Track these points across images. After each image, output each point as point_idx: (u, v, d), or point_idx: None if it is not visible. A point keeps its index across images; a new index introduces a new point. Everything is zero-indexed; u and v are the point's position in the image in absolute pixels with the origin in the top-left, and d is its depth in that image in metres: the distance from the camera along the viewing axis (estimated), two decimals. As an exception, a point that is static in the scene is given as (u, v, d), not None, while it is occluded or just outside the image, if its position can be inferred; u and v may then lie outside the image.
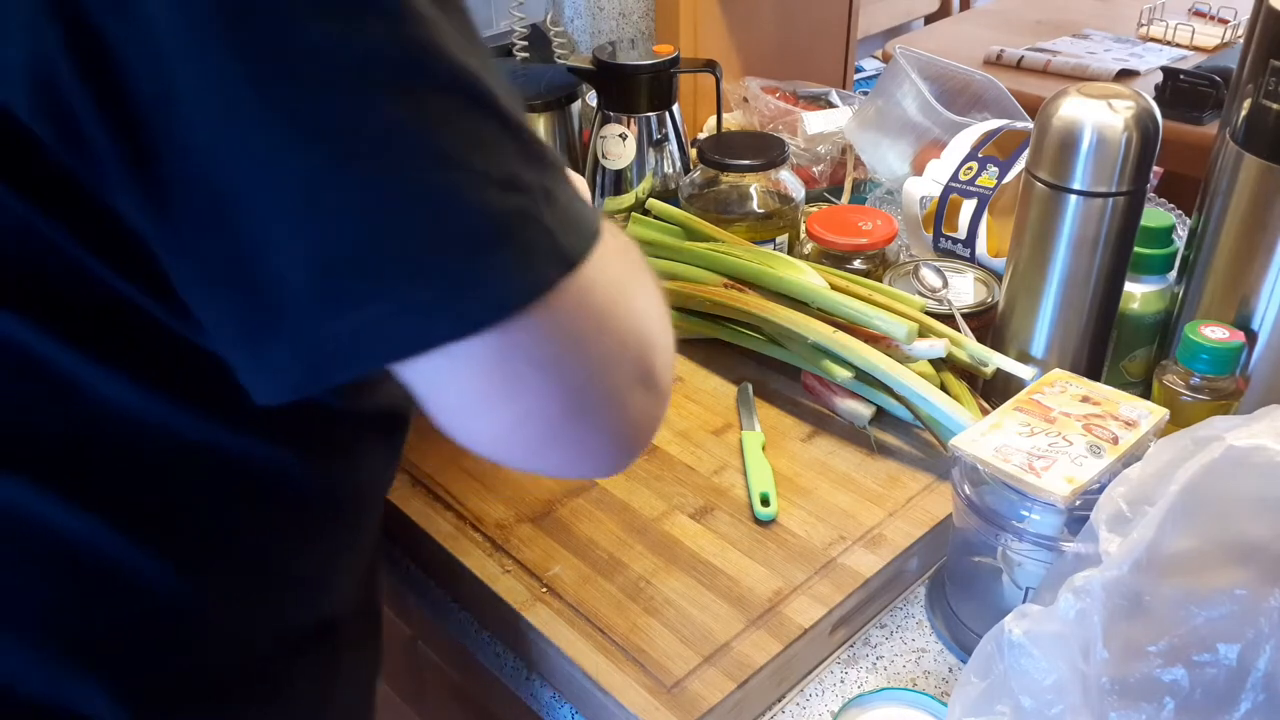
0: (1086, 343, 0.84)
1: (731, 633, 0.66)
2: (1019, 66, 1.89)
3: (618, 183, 1.13)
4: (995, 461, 0.64)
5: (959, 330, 0.87)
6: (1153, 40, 1.99)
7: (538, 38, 1.35)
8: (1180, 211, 1.10)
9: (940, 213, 1.04)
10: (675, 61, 1.10)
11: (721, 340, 0.94)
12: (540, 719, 0.72)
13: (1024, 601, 0.58)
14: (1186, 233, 0.83)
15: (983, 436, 0.66)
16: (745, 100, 1.31)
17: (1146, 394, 0.75)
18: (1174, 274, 0.86)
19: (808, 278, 0.89)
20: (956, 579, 0.72)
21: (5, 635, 0.45)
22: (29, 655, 0.45)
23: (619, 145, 1.11)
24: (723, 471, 0.80)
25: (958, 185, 1.03)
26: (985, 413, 0.77)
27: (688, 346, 0.96)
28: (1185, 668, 0.51)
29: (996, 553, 0.67)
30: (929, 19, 2.84)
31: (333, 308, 0.37)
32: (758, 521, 0.75)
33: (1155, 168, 0.80)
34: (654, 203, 1.02)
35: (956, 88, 1.23)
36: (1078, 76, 1.82)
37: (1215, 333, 0.74)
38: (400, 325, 0.38)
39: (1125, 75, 1.84)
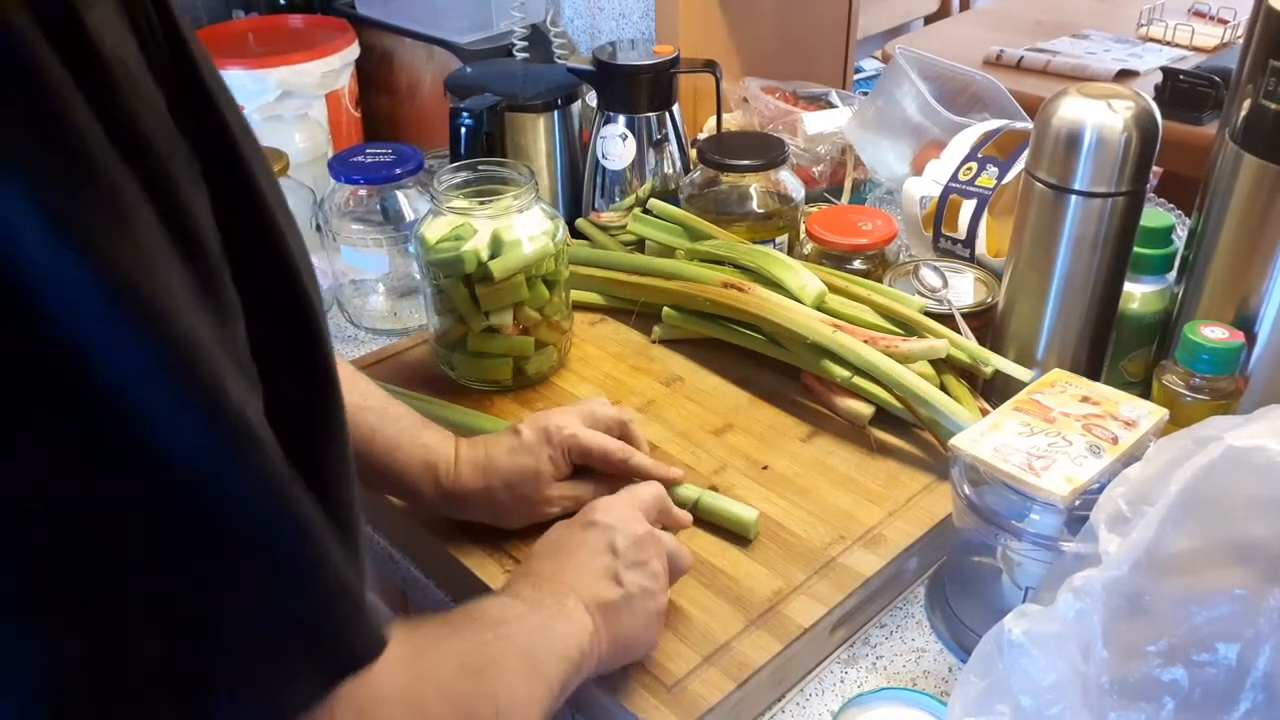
0: (1086, 343, 0.84)
1: (731, 632, 0.66)
2: (1019, 67, 1.89)
3: (618, 183, 1.13)
4: (995, 461, 0.64)
5: (959, 330, 0.87)
6: (1152, 40, 1.99)
7: (538, 38, 1.35)
8: (1180, 211, 1.10)
9: (940, 213, 1.04)
10: (675, 62, 1.10)
11: (721, 340, 0.94)
12: (540, 719, 0.72)
13: (1024, 601, 0.58)
14: (1186, 233, 0.83)
15: (982, 436, 0.66)
16: (745, 100, 1.31)
17: (1146, 394, 0.75)
18: (1173, 274, 0.86)
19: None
20: (956, 579, 0.72)
21: None
22: None
23: (619, 145, 1.11)
24: (723, 471, 0.80)
25: (957, 185, 1.03)
26: (985, 413, 0.77)
27: (688, 346, 0.96)
28: (1185, 667, 0.51)
29: (996, 553, 0.67)
30: (929, 19, 2.84)
31: None
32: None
33: (1155, 168, 0.80)
34: (655, 203, 1.02)
35: (956, 88, 1.23)
36: (1077, 77, 1.82)
37: (1215, 333, 0.74)
38: None
39: (1125, 75, 1.84)
